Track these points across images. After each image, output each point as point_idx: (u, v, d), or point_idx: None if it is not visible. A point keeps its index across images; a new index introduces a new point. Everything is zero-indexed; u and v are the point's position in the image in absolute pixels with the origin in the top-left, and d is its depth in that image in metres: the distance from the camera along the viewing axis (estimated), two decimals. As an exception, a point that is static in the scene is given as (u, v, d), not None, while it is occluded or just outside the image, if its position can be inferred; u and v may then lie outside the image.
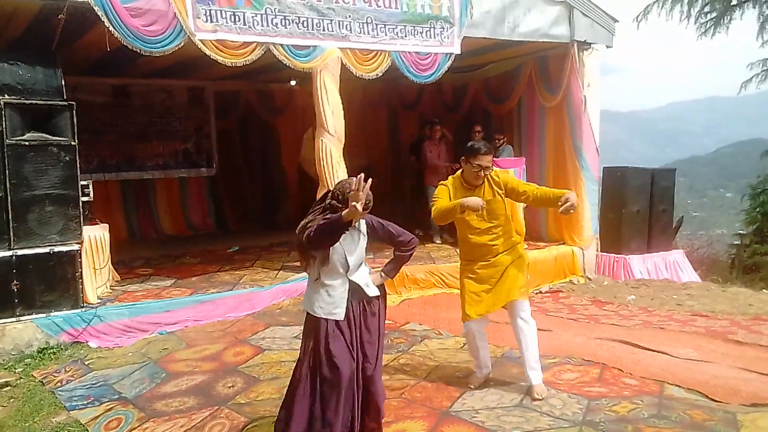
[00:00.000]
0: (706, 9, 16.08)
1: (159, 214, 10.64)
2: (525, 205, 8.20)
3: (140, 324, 5.80)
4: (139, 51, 5.76)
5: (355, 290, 3.33)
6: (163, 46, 5.87)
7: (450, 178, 4.34)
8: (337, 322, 3.25)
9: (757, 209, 14.36)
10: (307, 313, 3.35)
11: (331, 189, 3.36)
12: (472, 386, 4.30)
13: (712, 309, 6.73)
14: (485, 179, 4.15)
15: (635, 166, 9.81)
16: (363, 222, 3.34)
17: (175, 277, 7.12)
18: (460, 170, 4.26)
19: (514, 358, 4.72)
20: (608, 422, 3.64)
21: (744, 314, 6.47)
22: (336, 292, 3.28)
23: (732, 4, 15.78)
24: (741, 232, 14.65)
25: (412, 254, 3.59)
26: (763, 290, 8.53)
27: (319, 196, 3.60)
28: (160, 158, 10.22)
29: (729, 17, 15.86)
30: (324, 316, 3.26)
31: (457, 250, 8.08)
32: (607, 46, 8.67)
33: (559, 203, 3.89)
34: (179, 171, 10.48)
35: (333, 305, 3.28)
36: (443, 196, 4.18)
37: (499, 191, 4.14)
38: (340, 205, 3.17)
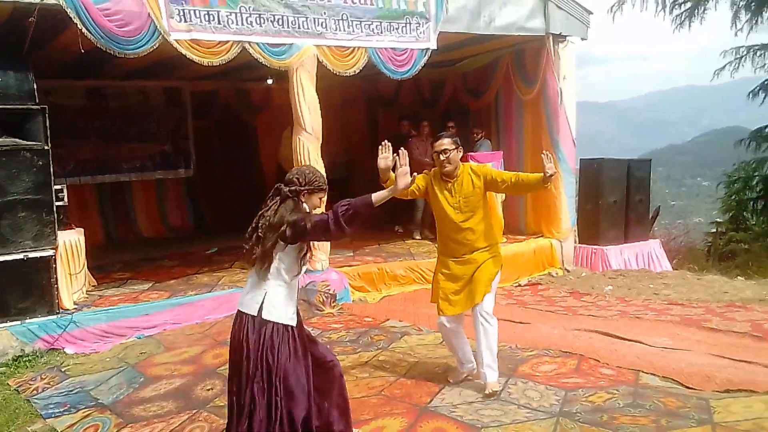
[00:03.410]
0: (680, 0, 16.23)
1: (136, 217, 10.54)
2: (503, 199, 8.36)
3: (117, 329, 5.76)
4: (113, 52, 5.70)
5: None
6: (138, 47, 5.81)
7: (432, 170, 4.36)
8: (287, 326, 3.11)
9: (733, 197, 14.56)
10: (278, 326, 3.07)
11: (287, 179, 3.16)
12: (450, 380, 4.32)
13: (688, 297, 6.83)
14: (465, 172, 4.17)
15: (614, 156, 9.92)
16: None
17: (153, 281, 7.06)
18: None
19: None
20: (584, 412, 3.68)
21: (718, 302, 6.57)
22: (293, 290, 3.17)
23: (705, -7, 15.94)
24: (717, 220, 14.87)
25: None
26: (738, 277, 8.68)
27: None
28: (137, 160, 10.12)
29: (703, 7, 16.02)
30: (287, 322, 3.10)
31: (437, 246, 8.17)
32: (582, 39, 8.74)
33: (543, 179, 3.98)
34: (156, 173, 10.38)
35: (292, 308, 3.14)
36: (419, 180, 4.21)
37: (478, 184, 4.15)
38: (304, 189, 3.10)
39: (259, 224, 3.05)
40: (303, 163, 6.67)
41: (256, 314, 3.05)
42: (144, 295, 6.48)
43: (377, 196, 3.16)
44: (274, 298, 3.07)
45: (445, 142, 4.15)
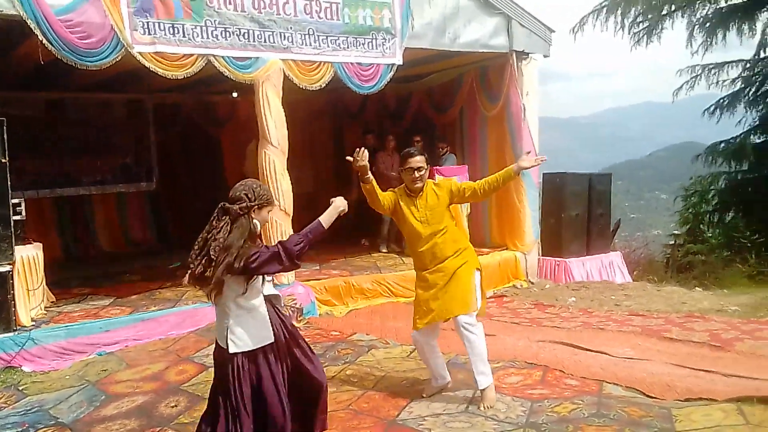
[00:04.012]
0: (639, 19, 16.70)
1: (96, 231, 10.32)
2: (468, 212, 8.44)
3: (77, 345, 5.61)
4: (74, 64, 5.61)
5: (268, 300, 3.22)
6: (100, 60, 5.74)
7: (398, 188, 4.38)
8: (266, 347, 3.09)
9: (690, 210, 14.94)
10: (231, 354, 3.04)
11: (235, 196, 3.09)
12: (423, 395, 4.32)
13: (648, 308, 6.98)
14: (428, 187, 4.20)
15: (575, 171, 10.10)
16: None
17: (114, 296, 6.91)
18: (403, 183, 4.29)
19: (460, 365, 4.79)
20: (550, 423, 3.73)
21: (678, 312, 6.72)
22: (261, 311, 3.11)
23: (663, 14, 16.44)
24: (675, 232, 15.24)
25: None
26: (696, 288, 8.90)
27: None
28: (98, 173, 9.91)
29: (660, 26, 16.53)
30: (255, 347, 3.06)
31: (403, 259, 8.21)
32: (545, 56, 8.92)
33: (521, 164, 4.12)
34: (118, 186, 10.17)
35: (262, 328, 3.09)
36: (389, 193, 4.28)
37: (441, 195, 4.18)
38: (254, 205, 3.05)
39: (210, 245, 2.94)
40: (269, 177, 6.65)
41: (225, 347, 3.05)
42: (105, 310, 6.34)
43: (326, 219, 3.16)
44: (237, 329, 3.04)
45: (420, 160, 4.17)
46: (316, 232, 3.10)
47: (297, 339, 3.26)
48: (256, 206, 3.05)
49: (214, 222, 3.02)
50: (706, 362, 4.84)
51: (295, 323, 6.24)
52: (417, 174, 4.16)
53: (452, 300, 4.10)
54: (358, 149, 4.03)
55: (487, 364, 4.12)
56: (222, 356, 3.09)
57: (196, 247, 3.00)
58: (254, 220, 3.06)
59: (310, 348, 3.36)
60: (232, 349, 3.01)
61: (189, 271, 3.02)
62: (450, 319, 4.17)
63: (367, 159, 4.04)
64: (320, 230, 3.11)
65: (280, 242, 3.04)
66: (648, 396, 4.14)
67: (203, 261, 2.94)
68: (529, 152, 4.02)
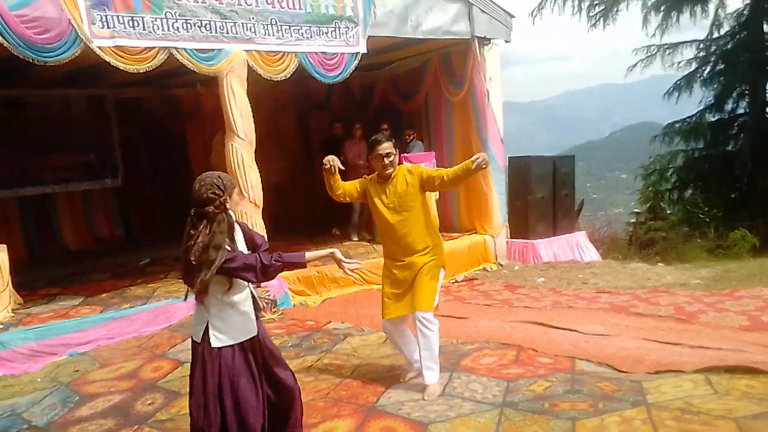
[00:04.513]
0: (595, 2, 16.97)
1: (62, 230, 10.10)
2: (437, 198, 8.52)
3: (48, 347, 5.50)
4: (32, 60, 5.46)
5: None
6: (58, 55, 5.59)
7: (366, 177, 4.41)
8: (245, 343, 3.07)
9: (650, 188, 15.37)
10: (210, 348, 3.01)
11: (205, 197, 2.94)
12: (401, 380, 4.37)
13: (615, 285, 7.17)
14: (400, 173, 4.20)
15: (538, 154, 10.28)
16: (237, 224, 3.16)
17: (83, 295, 6.78)
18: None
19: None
20: (526, 401, 3.82)
21: (643, 288, 6.93)
22: (245, 306, 3.09)
23: (618, -4, 16.73)
24: (636, 210, 15.64)
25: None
26: (659, 264, 9.17)
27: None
28: (61, 171, 9.69)
29: (616, 9, 16.82)
30: (242, 339, 3.06)
31: (375, 247, 8.25)
32: (506, 41, 9.02)
33: (471, 164, 3.92)
34: (82, 184, 9.97)
35: (246, 323, 3.08)
36: (358, 183, 4.34)
37: (412, 182, 4.16)
38: (226, 197, 2.96)
39: (193, 252, 2.88)
40: (237, 170, 6.59)
41: (199, 342, 3.04)
42: (75, 310, 6.22)
43: (311, 256, 3.16)
44: (219, 324, 3.02)
45: (388, 146, 4.16)
46: (295, 262, 3.09)
47: (269, 345, 3.26)
48: (227, 197, 3.00)
49: (191, 231, 2.93)
50: (672, 335, 5.01)
51: (270, 315, 6.27)
52: (386, 160, 4.16)
53: (414, 296, 4.14)
54: (326, 160, 4.09)
55: (437, 361, 4.15)
56: (198, 351, 3.08)
57: (182, 260, 2.94)
58: (230, 212, 3.04)
59: (278, 352, 3.36)
60: (214, 344, 3.01)
61: (189, 288, 2.99)
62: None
63: (337, 162, 4.15)
64: (299, 263, 3.11)
65: (260, 256, 2.97)
66: (619, 371, 4.27)
67: (191, 269, 2.89)
68: (479, 158, 3.91)
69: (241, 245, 3.09)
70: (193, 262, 2.86)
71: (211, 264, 2.85)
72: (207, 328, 3.02)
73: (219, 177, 3.01)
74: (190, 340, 5.57)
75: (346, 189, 4.30)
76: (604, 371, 4.28)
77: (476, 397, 3.97)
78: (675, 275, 7.62)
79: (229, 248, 2.95)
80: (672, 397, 3.68)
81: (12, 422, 4.36)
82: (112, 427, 4.13)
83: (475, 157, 3.91)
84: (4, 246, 6.07)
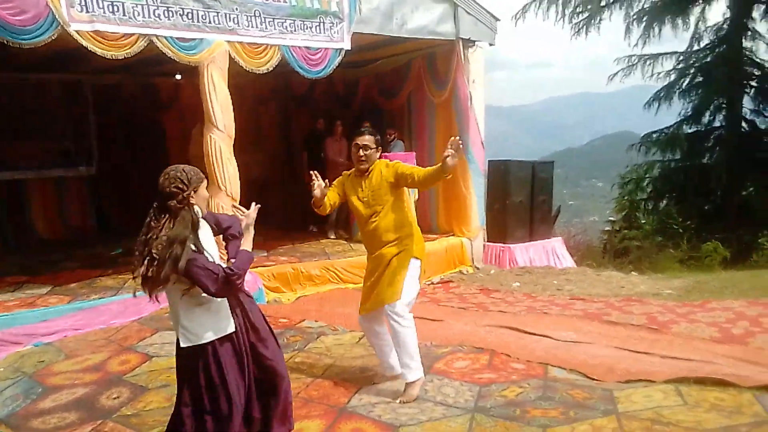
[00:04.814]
0: (579, 9, 17.11)
1: (33, 217, 9.87)
2: (416, 199, 8.49)
3: (12, 336, 5.36)
4: (6, 42, 5.31)
5: None
6: (34, 38, 5.45)
7: (345, 172, 4.37)
8: (224, 337, 2.97)
9: (626, 197, 15.53)
10: (187, 347, 2.93)
11: (168, 192, 2.85)
12: (374, 382, 4.32)
13: (589, 292, 7.21)
14: (377, 167, 4.15)
15: (518, 158, 10.31)
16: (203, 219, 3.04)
17: (52, 284, 6.63)
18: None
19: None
20: (498, 407, 3.81)
21: (617, 296, 6.97)
22: (215, 305, 2.96)
23: (601, 5, 16.90)
24: (611, 219, 15.80)
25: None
26: (633, 273, 9.25)
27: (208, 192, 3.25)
28: (34, 158, 9.45)
29: (599, 17, 16.99)
30: (213, 338, 2.94)
31: (352, 245, 8.20)
32: (490, 44, 9.02)
33: (443, 168, 3.80)
34: (55, 171, 9.76)
35: (217, 321, 2.96)
36: (336, 184, 4.30)
37: (387, 176, 4.09)
38: (190, 191, 2.86)
39: (152, 245, 2.77)
40: (215, 162, 6.50)
41: (176, 341, 2.97)
42: (42, 299, 6.08)
43: (250, 244, 3.04)
44: (187, 323, 2.92)
45: (367, 139, 4.12)
46: (247, 259, 2.96)
47: (259, 330, 3.16)
48: (192, 191, 2.89)
49: (152, 223, 2.84)
50: (644, 344, 5.04)
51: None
52: (362, 152, 4.10)
53: (381, 290, 4.05)
54: (314, 178, 4.07)
55: (414, 358, 4.03)
56: (178, 351, 3.01)
57: (136, 252, 2.84)
58: (195, 207, 2.93)
59: (274, 337, 3.26)
60: (183, 343, 2.93)
61: (135, 276, 2.85)
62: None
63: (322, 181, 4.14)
64: (250, 257, 3.00)
65: (226, 271, 2.83)
66: (591, 378, 4.27)
67: (146, 262, 2.78)
68: (447, 156, 3.80)
69: (209, 244, 2.96)
70: (155, 255, 2.75)
71: (176, 259, 2.73)
72: (179, 328, 2.95)
73: (183, 171, 2.90)
74: (159, 333, 5.53)
75: (329, 200, 4.23)
76: (576, 378, 4.29)
77: (448, 401, 3.95)
78: (648, 285, 7.69)
79: (194, 247, 2.82)
80: (642, 407, 3.69)
81: (-29, 413, 4.23)
82: (74, 421, 4.02)
83: (448, 150, 3.75)
84: (-28, 231, 5.92)
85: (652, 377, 4.16)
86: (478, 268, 8.80)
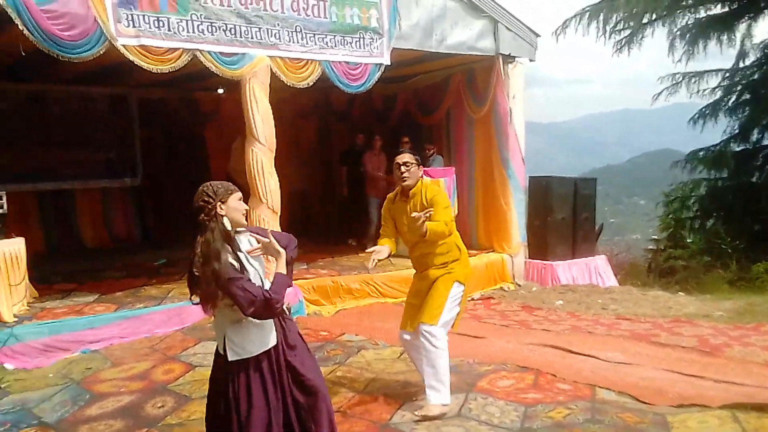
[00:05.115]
0: (620, 26, 16.85)
1: (80, 226, 10.13)
2: (456, 214, 8.41)
3: (61, 343, 5.47)
4: (56, 56, 5.47)
5: None
6: (83, 52, 5.59)
7: (389, 196, 4.38)
8: (263, 353, 2.93)
9: (670, 216, 15.12)
10: (229, 362, 2.90)
11: (195, 207, 2.84)
12: (415, 399, 4.25)
13: (635, 312, 7.01)
14: (420, 192, 4.14)
15: (559, 175, 10.15)
16: (249, 239, 2.99)
17: (98, 292, 6.76)
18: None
19: (452, 368, 4.73)
20: (545, 428, 3.71)
21: (665, 317, 6.77)
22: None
23: (643, 22, 16.62)
24: (654, 237, 15.42)
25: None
26: (679, 293, 8.98)
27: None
28: (81, 168, 9.69)
29: (641, 34, 16.70)
30: (258, 352, 2.91)
31: (391, 260, 8.17)
32: (530, 60, 8.95)
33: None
34: (101, 181, 9.98)
35: (262, 335, 2.93)
36: (385, 215, 4.31)
37: (426, 207, 4.04)
38: (217, 202, 2.83)
39: (194, 261, 2.77)
40: (257, 175, 6.55)
41: (223, 354, 2.94)
42: (89, 307, 6.19)
43: (283, 268, 2.94)
44: (235, 338, 2.90)
45: (407, 156, 4.17)
46: (284, 284, 2.90)
47: (296, 348, 3.11)
48: (219, 203, 2.85)
49: (194, 242, 2.84)
50: (696, 368, 4.86)
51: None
52: (403, 168, 4.12)
53: (424, 308, 4.07)
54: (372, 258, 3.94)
55: (444, 382, 3.97)
56: (220, 362, 3.00)
57: (188, 273, 2.84)
58: (224, 218, 2.88)
59: (310, 354, 3.22)
60: (231, 357, 2.91)
61: (192, 296, 2.87)
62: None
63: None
64: (287, 282, 2.94)
65: (265, 295, 2.77)
66: (641, 401, 4.13)
67: (195, 281, 2.80)
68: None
69: (252, 259, 2.91)
70: (196, 274, 2.76)
71: (216, 277, 2.71)
72: (225, 342, 2.94)
73: (211, 185, 2.90)
74: (202, 343, 5.57)
75: (390, 237, 4.24)
76: (625, 401, 4.16)
77: (493, 421, 3.87)
78: (697, 306, 7.44)
79: (235, 264, 2.79)
80: (697, 433, 3.56)
81: (22, 417, 4.32)
82: (120, 429, 4.07)
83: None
84: (22, 239, 6.07)
85: (706, 402, 4.01)
86: (519, 285, 8.66)
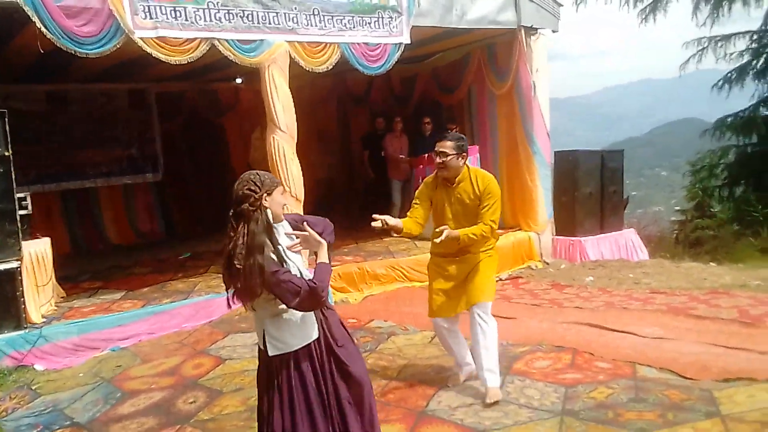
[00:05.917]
0: (644, -5, 16.39)
1: (104, 224, 10.17)
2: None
3: (90, 341, 5.46)
4: (74, 53, 5.41)
5: None
6: (100, 47, 5.52)
7: (429, 177, 4.20)
8: (305, 347, 2.84)
9: (697, 185, 14.78)
10: (275, 356, 2.82)
11: (239, 196, 2.73)
12: (450, 385, 4.16)
13: (669, 285, 6.83)
14: (467, 180, 3.98)
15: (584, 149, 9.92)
16: (287, 225, 2.90)
17: (125, 289, 6.76)
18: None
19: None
20: (588, 410, 3.59)
21: (700, 288, 6.58)
22: (300, 312, 2.82)
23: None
24: (677, 208, 15.09)
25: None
26: (711, 263, 8.76)
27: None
28: (103, 166, 9.76)
29: (666, 0, 16.22)
30: (299, 346, 2.83)
31: (416, 243, 8.05)
32: (553, 31, 8.72)
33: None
34: (123, 178, 10.02)
35: (303, 328, 2.84)
36: (420, 197, 4.12)
37: (474, 202, 3.93)
38: (263, 193, 2.74)
39: (235, 253, 2.65)
40: (279, 162, 6.47)
41: (263, 349, 2.86)
42: (116, 305, 6.19)
43: (325, 257, 2.86)
44: (276, 333, 2.82)
45: (447, 144, 3.93)
46: (327, 272, 2.82)
47: (339, 340, 3.03)
48: (266, 194, 2.77)
49: (231, 232, 2.72)
50: (738, 340, 4.70)
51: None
52: (439, 159, 3.95)
53: (471, 290, 3.95)
54: (377, 221, 3.77)
55: (497, 362, 3.91)
56: (262, 357, 2.92)
57: (224, 265, 2.73)
58: (267, 210, 2.80)
59: (354, 344, 3.09)
60: (271, 352, 2.83)
61: (228, 291, 2.74)
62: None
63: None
64: (329, 269, 2.86)
65: (310, 284, 2.69)
66: (684, 377, 4.00)
67: (234, 275, 2.67)
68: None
69: (292, 253, 2.83)
70: (238, 267, 2.64)
71: (260, 270, 2.61)
72: (265, 337, 2.85)
73: (257, 174, 2.82)
74: (230, 336, 5.53)
75: (417, 219, 4.05)
76: (668, 378, 4.02)
77: (533, 404, 3.76)
78: (732, 276, 7.23)
79: (275, 257, 2.70)
80: (747, 408, 3.42)
81: (54, 418, 4.31)
82: (153, 426, 4.03)
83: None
84: (48, 239, 6.07)
85: (752, 375, 3.87)
86: (547, 263, 8.49)
